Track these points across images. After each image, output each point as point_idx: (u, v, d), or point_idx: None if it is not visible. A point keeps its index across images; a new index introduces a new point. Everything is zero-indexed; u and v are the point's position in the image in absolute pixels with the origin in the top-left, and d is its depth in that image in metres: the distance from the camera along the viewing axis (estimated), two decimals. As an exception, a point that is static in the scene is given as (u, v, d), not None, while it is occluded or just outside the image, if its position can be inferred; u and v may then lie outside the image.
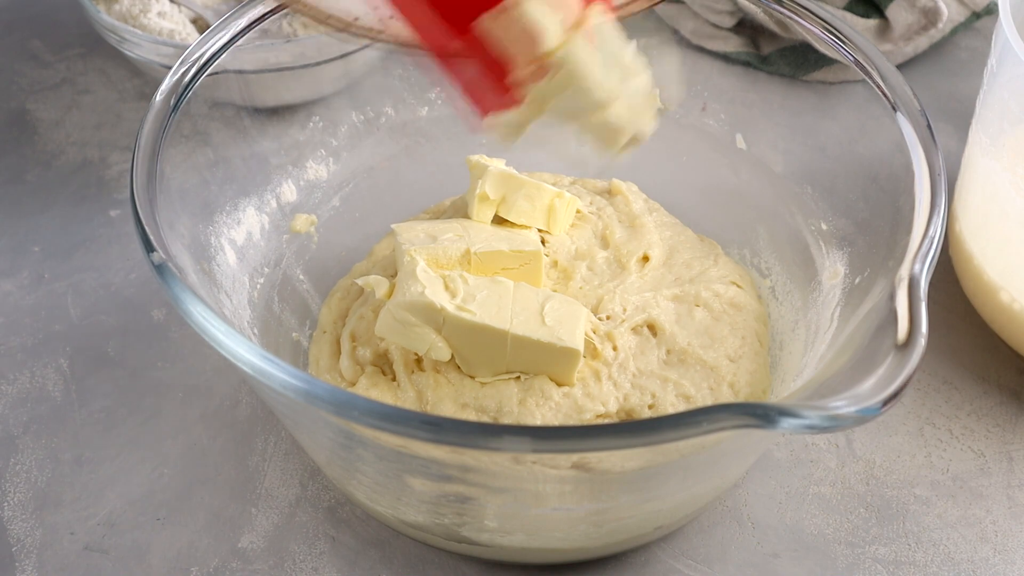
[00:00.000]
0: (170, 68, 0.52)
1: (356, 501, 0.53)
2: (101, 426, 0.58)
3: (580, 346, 0.49)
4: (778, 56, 0.71)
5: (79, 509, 0.55)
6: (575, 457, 0.44)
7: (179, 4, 0.75)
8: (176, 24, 0.73)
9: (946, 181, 0.47)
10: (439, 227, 0.53)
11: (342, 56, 0.68)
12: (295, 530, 0.54)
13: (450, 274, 0.51)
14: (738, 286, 0.57)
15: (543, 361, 0.50)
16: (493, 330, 0.49)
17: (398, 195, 0.64)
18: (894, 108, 0.50)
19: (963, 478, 0.56)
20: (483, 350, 0.50)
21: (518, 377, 0.51)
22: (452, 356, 0.51)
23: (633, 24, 0.67)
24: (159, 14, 0.73)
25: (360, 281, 0.54)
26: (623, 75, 0.46)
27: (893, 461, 0.57)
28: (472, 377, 0.51)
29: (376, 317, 0.53)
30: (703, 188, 0.64)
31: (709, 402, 0.52)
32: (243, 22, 0.55)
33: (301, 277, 0.60)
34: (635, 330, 0.54)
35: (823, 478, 0.56)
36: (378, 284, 0.53)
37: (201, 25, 0.76)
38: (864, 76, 0.52)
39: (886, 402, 0.38)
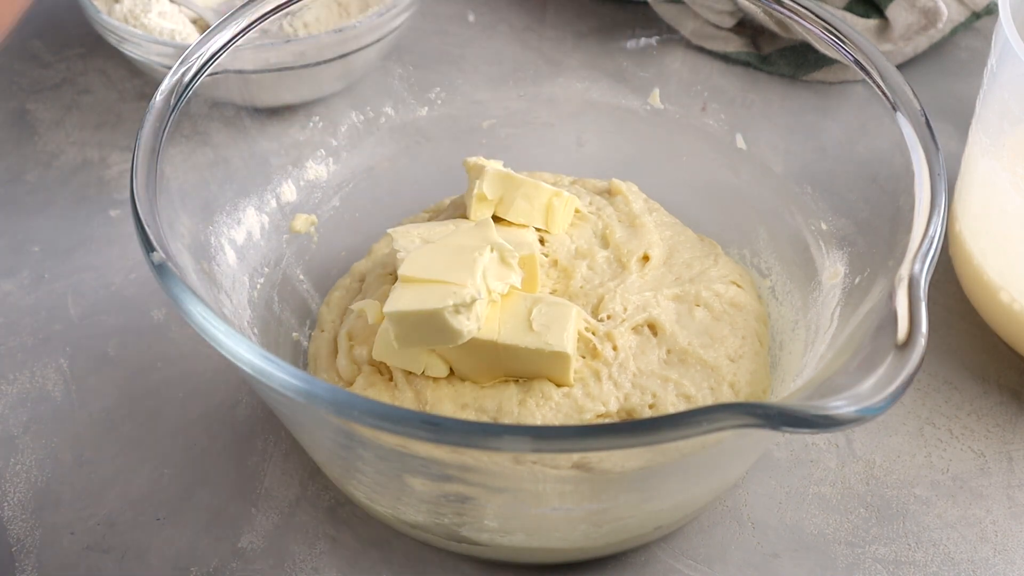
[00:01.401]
0: (170, 68, 0.52)
1: (356, 501, 0.53)
2: (101, 426, 0.58)
3: (569, 348, 0.49)
4: (778, 56, 0.71)
5: (79, 509, 0.55)
6: (575, 457, 0.44)
7: (179, 4, 0.75)
8: (176, 24, 0.73)
9: (946, 181, 0.47)
10: (436, 231, 0.53)
11: (342, 56, 0.68)
12: (295, 530, 0.54)
13: None
14: (738, 286, 0.57)
15: (537, 366, 0.50)
16: (483, 342, 0.49)
17: (398, 195, 0.64)
18: (894, 108, 0.50)
19: (963, 478, 0.56)
20: (478, 361, 0.50)
21: (517, 380, 0.51)
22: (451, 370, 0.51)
23: (635, 23, 0.67)
24: (159, 14, 0.73)
25: (355, 307, 0.54)
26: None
27: (893, 461, 0.57)
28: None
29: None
30: (703, 188, 0.64)
31: (709, 402, 0.52)
32: (243, 22, 0.55)
33: (301, 277, 0.60)
34: (635, 330, 0.54)
35: (823, 478, 0.56)
36: (371, 308, 0.53)
37: (201, 25, 0.76)
38: (864, 76, 0.52)
39: (886, 402, 0.38)
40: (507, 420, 0.49)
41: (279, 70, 0.66)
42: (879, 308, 0.43)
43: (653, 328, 0.54)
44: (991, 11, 0.80)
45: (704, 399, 0.52)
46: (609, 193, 0.62)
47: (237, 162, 0.58)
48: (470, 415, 0.50)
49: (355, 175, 0.64)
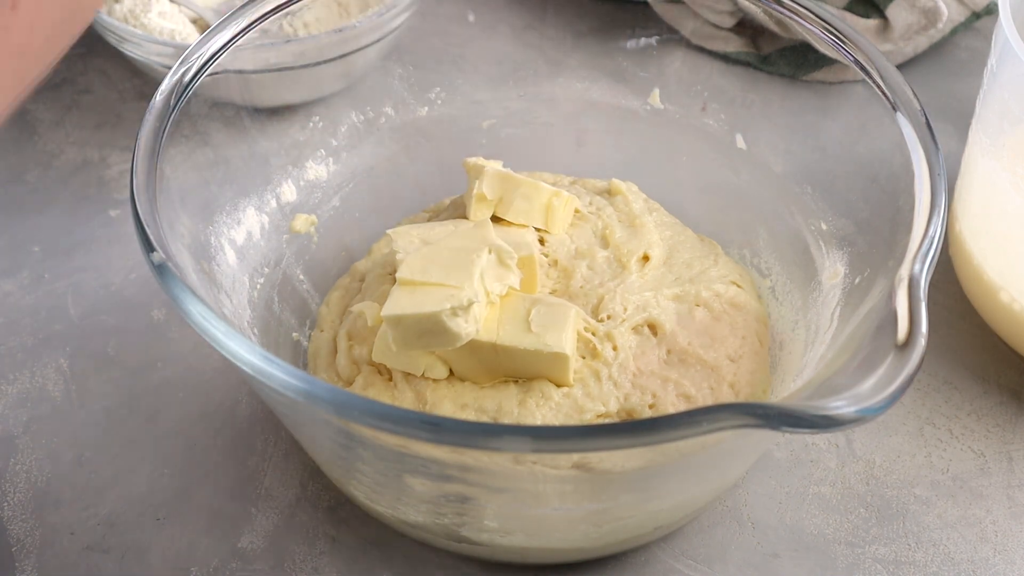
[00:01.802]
0: (170, 68, 0.52)
1: (356, 501, 0.53)
2: (101, 426, 0.58)
3: (567, 349, 0.49)
4: (778, 56, 0.71)
5: (79, 509, 0.55)
6: (575, 457, 0.44)
7: (179, 4, 0.75)
8: (176, 24, 0.73)
9: (946, 181, 0.47)
10: (435, 231, 0.53)
11: (342, 56, 0.68)
12: (295, 530, 0.54)
13: None
14: (738, 286, 0.57)
15: (536, 367, 0.50)
16: (482, 343, 0.49)
17: (398, 195, 0.64)
18: (894, 108, 0.50)
19: (963, 478, 0.56)
20: (477, 363, 0.50)
21: (517, 380, 0.51)
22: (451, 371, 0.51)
23: (635, 23, 0.67)
24: (159, 14, 0.73)
25: (354, 308, 0.54)
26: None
27: (893, 461, 0.57)
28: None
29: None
30: (703, 188, 0.64)
31: (710, 402, 0.52)
32: (243, 22, 0.55)
33: (301, 277, 0.60)
34: (635, 330, 0.54)
35: (823, 478, 0.56)
36: (370, 310, 0.53)
37: (201, 25, 0.76)
38: (864, 76, 0.52)
39: (886, 402, 0.38)
40: (507, 420, 0.49)
41: (279, 70, 0.66)
42: (879, 308, 0.43)
43: (653, 328, 0.54)
44: (991, 11, 0.80)
45: (704, 399, 0.52)
46: (609, 193, 0.62)
47: (237, 162, 0.58)
48: (470, 415, 0.50)
49: (355, 175, 0.64)
